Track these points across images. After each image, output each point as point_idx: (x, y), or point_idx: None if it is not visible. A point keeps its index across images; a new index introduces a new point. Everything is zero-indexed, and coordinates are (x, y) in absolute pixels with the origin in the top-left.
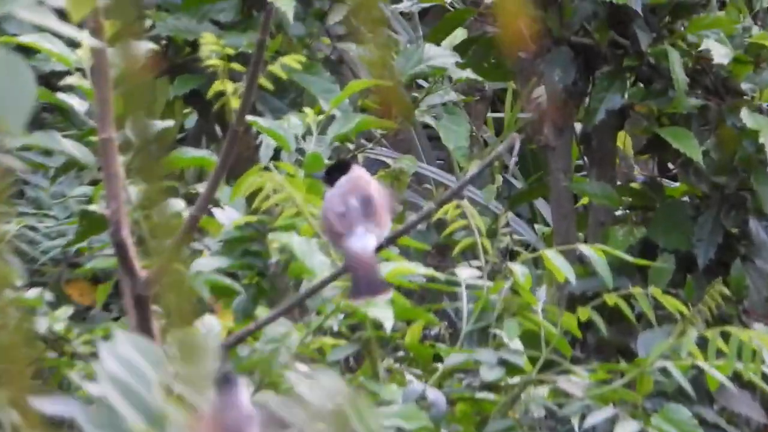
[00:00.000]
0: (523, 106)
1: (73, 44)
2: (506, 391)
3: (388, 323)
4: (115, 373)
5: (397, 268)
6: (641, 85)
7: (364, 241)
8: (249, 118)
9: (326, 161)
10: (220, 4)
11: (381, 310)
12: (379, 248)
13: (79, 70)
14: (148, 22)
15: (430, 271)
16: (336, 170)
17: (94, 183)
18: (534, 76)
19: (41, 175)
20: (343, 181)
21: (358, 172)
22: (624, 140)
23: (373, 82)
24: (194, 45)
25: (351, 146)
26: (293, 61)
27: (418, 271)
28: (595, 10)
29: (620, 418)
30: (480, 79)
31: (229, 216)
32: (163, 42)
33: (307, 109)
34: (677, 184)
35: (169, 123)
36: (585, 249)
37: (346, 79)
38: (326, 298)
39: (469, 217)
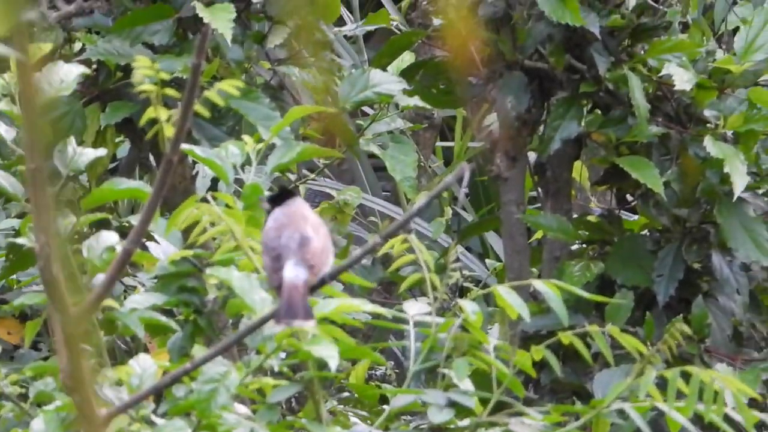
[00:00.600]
0: (474, 135)
1: None
2: None
3: (333, 362)
4: None
5: (340, 305)
6: (599, 112)
7: (296, 271)
8: (184, 146)
9: (266, 192)
10: (153, 26)
11: (325, 349)
12: (319, 285)
13: (5, 95)
14: (77, 46)
15: (376, 308)
16: (278, 199)
17: (21, 215)
18: (485, 103)
19: None
20: (279, 214)
21: (296, 205)
22: (580, 170)
23: (315, 109)
24: (126, 69)
25: (292, 177)
26: (231, 86)
27: (363, 307)
28: (550, 32)
29: None
30: (428, 106)
31: (164, 250)
32: (94, 66)
33: (246, 138)
34: (636, 216)
35: (103, 152)
36: (539, 285)
37: (287, 106)
38: (267, 336)
39: (416, 252)
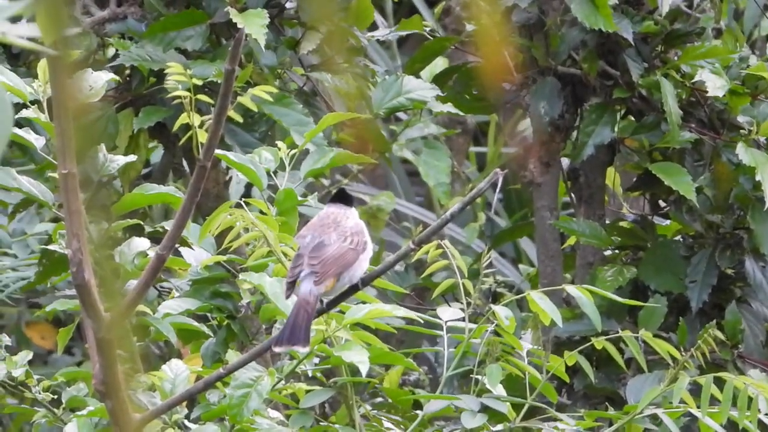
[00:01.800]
0: (507, 140)
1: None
2: None
3: (363, 368)
4: None
5: (373, 310)
6: (632, 118)
7: (308, 285)
8: (218, 152)
9: (300, 198)
10: (186, 32)
11: (355, 354)
12: (351, 291)
13: (34, 102)
14: (110, 51)
15: (409, 313)
16: (334, 200)
17: (55, 220)
18: (518, 109)
19: None
20: (314, 218)
21: (335, 208)
22: (613, 176)
23: (348, 115)
24: (159, 75)
25: (326, 182)
26: (264, 92)
27: (396, 313)
28: (583, 38)
29: None
30: (461, 112)
31: (197, 256)
32: (127, 72)
33: (280, 143)
34: (669, 222)
35: (133, 158)
36: (572, 290)
37: (320, 112)
38: None
39: (450, 258)
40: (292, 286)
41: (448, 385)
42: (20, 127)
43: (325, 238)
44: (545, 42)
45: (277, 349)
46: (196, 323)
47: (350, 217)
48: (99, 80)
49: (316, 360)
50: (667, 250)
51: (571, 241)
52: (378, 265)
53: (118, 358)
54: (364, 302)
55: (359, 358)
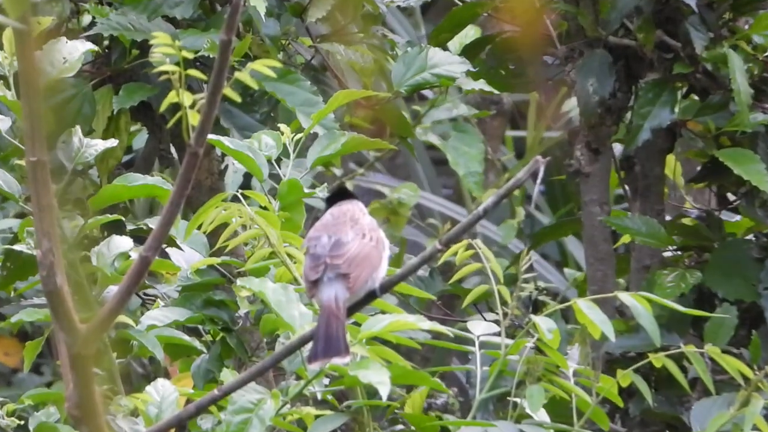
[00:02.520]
0: (550, 123)
1: None
2: None
3: (384, 389)
4: None
5: (394, 322)
6: (695, 97)
7: (334, 290)
8: (211, 137)
9: (306, 190)
10: None
11: (375, 374)
12: (368, 300)
13: None
14: (86, 19)
15: (436, 326)
16: (334, 199)
17: (22, 216)
18: (563, 86)
19: None
20: (327, 216)
21: (347, 206)
22: (674, 165)
23: (364, 93)
24: (143, 47)
25: (337, 172)
26: (266, 67)
27: (420, 325)
28: (638, 4)
29: None
30: (496, 90)
31: (187, 258)
32: (105, 43)
33: (283, 126)
34: (739, 218)
35: (113, 143)
36: (626, 298)
37: (330, 90)
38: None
39: (483, 260)
40: (315, 285)
41: (482, 409)
42: None
43: (342, 236)
44: (594, 8)
45: (314, 366)
46: (185, 337)
47: (365, 212)
48: (74, 52)
49: (327, 380)
50: (737, 251)
51: (625, 240)
52: (398, 269)
53: (94, 377)
54: (383, 312)
55: (379, 378)
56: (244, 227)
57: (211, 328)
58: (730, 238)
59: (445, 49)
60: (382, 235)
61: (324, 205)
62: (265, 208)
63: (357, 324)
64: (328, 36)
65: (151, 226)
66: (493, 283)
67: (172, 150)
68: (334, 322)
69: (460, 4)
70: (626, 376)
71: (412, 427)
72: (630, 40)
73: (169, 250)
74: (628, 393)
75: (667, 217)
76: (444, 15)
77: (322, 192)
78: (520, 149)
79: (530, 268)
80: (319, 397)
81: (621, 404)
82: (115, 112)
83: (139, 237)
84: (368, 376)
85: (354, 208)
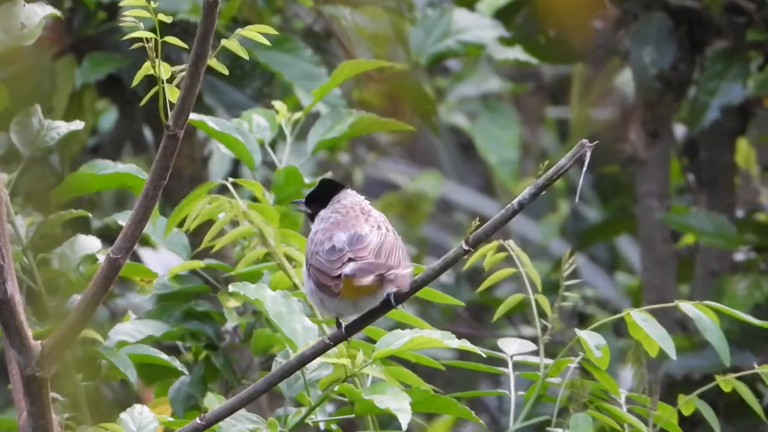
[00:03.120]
0: (598, 101)
1: None
2: None
3: (404, 417)
4: None
5: (416, 338)
6: None
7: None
8: (193, 117)
9: (307, 180)
10: None
11: (392, 399)
12: (383, 310)
13: None
14: None
15: (463, 343)
16: (321, 195)
17: None
18: (614, 56)
19: None
20: (328, 213)
21: (351, 198)
22: (746, 151)
23: (376, 64)
24: (112, 9)
25: (344, 159)
26: (258, 33)
27: (445, 342)
28: None
29: None
30: (534, 60)
31: (165, 261)
32: (68, 6)
33: (278, 104)
34: None
35: (78, 124)
36: (690, 309)
37: (335, 60)
38: (310, 380)
39: (517, 264)
40: (338, 282)
41: None
42: None
43: (359, 231)
44: None
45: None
46: (163, 355)
47: (369, 205)
48: (33, 17)
49: (332, 408)
50: None
51: (688, 240)
52: (417, 275)
53: (53, 403)
54: (401, 327)
55: (397, 404)
56: (232, 224)
57: (192, 344)
58: None
59: (473, 11)
60: (393, 230)
61: (304, 208)
62: (258, 201)
63: (371, 341)
64: None
65: (121, 223)
66: (529, 291)
67: (147, 132)
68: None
69: None
70: (689, 403)
71: None
72: (694, 0)
73: (143, 252)
74: (692, 422)
75: (739, 213)
76: None
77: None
78: (562, 131)
79: (575, 274)
80: (323, 426)
81: None
82: (78, 87)
83: (107, 236)
84: (385, 402)
85: (357, 199)
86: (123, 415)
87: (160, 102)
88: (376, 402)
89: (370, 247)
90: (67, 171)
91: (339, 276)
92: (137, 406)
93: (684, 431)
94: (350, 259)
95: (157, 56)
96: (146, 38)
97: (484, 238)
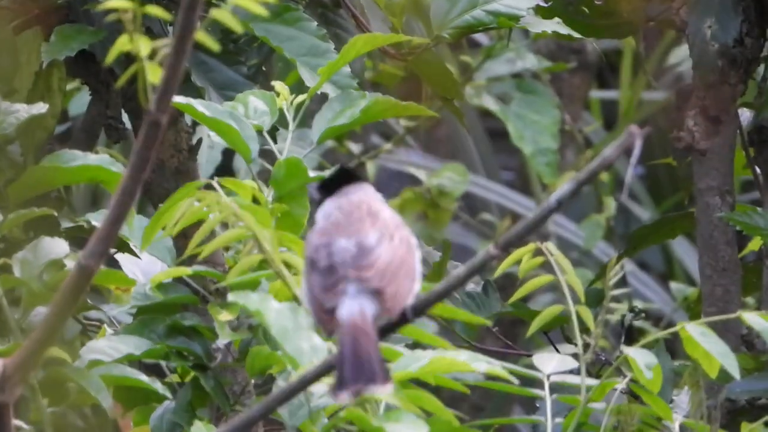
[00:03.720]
0: (652, 82)
1: None
2: None
3: None
4: None
5: (437, 358)
6: None
7: (359, 304)
8: (178, 99)
9: (312, 173)
10: None
11: (410, 428)
12: (397, 324)
13: None
14: None
15: (492, 364)
16: (333, 184)
17: None
18: (670, 30)
19: None
20: (332, 209)
21: (359, 195)
22: None
23: (392, 38)
24: None
25: (354, 147)
26: (254, 1)
27: (476, 368)
28: None
29: None
30: (576, 34)
31: (145, 268)
32: None
33: (279, 85)
34: None
35: (43, 107)
36: (756, 322)
37: (345, 34)
38: (316, 407)
39: (556, 271)
40: (331, 317)
41: None
42: None
43: (364, 238)
44: None
45: (344, 397)
46: (143, 377)
47: (383, 202)
48: None
49: None
50: None
51: (755, 245)
52: (439, 283)
53: None
54: (418, 344)
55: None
56: (224, 225)
57: (178, 364)
58: None
59: None
60: (409, 235)
61: (315, 193)
62: (254, 200)
63: (386, 361)
64: None
65: (94, 223)
66: (569, 302)
67: (124, 118)
68: (364, 340)
69: None
70: (755, 431)
71: None
72: None
73: (120, 257)
74: None
75: None
76: None
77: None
78: (609, 116)
79: (623, 282)
80: None
81: None
82: (44, 66)
83: (78, 239)
84: (400, 431)
85: (367, 196)
86: None
87: (139, 83)
88: (388, 431)
89: (377, 264)
90: (30, 162)
91: (332, 311)
92: None
93: None
94: (347, 279)
95: (135, 29)
96: (123, 8)
97: (516, 241)
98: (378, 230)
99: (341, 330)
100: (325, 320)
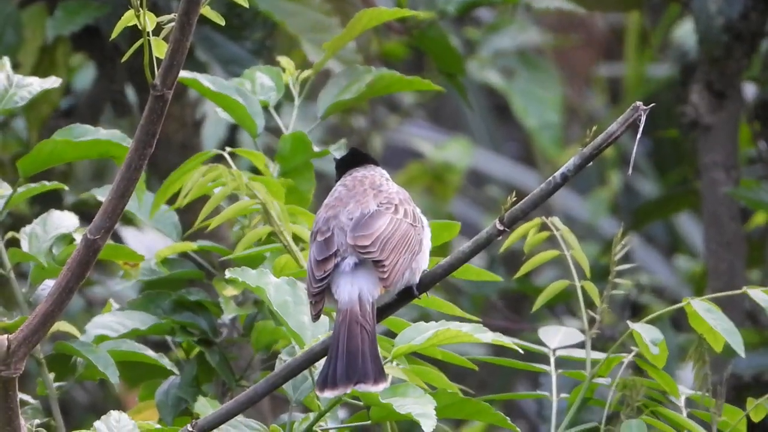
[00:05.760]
0: (657, 56)
1: None
2: None
3: (428, 424)
4: None
5: (442, 331)
6: None
7: (358, 286)
8: (184, 74)
9: (317, 148)
10: None
11: (414, 403)
12: (402, 301)
13: None
14: None
15: (498, 337)
16: (349, 163)
17: None
18: (674, 4)
19: None
20: (340, 186)
21: (364, 171)
22: None
23: (397, 13)
24: None
25: (360, 123)
26: None
27: (477, 336)
28: None
29: None
30: (581, 8)
31: (151, 243)
32: None
33: (284, 60)
34: None
35: (49, 81)
36: (761, 297)
37: (350, 8)
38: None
39: (562, 246)
40: (321, 297)
41: None
42: None
43: (364, 209)
44: None
45: (327, 394)
46: (149, 352)
47: (389, 180)
48: None
49: (344, 413)
50: None
51: (760, 219)
52: (444, 258)
53: (22, 407)
54: (427, 317)
55: (421, 409)
56: (230, 200)
57: (183, 340)
58: None
59: None
60: (418, 211)
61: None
62: (260, 173)
63: (393, 335)
64: None
65: (100, 198)
66: (575, 277)
67: (130, 93)
68: (359, 333)
69: None
70: (760, 407)
71: None
72: None
73: (126, 232)
74: (763, 429)
75: None
76: None
77: (339, 151)
78: (615, 91)
79: (628, 257)
80: None
81: None
82: (49, 41)
83: (84, 213)
84: (406, 406)
85: (373, 173)
86: (97, 423)
87: (145, 57)
88: (395, 406)
89: (376, 234)
90: (35, 138)
91: (320, 293)
92: (114, 413)
93: None
94: (344, 249)
95: (141, 4)
96: None
97: (522, 216)
98: (380, 202)
99: (337, 317)
100: (314, 301)
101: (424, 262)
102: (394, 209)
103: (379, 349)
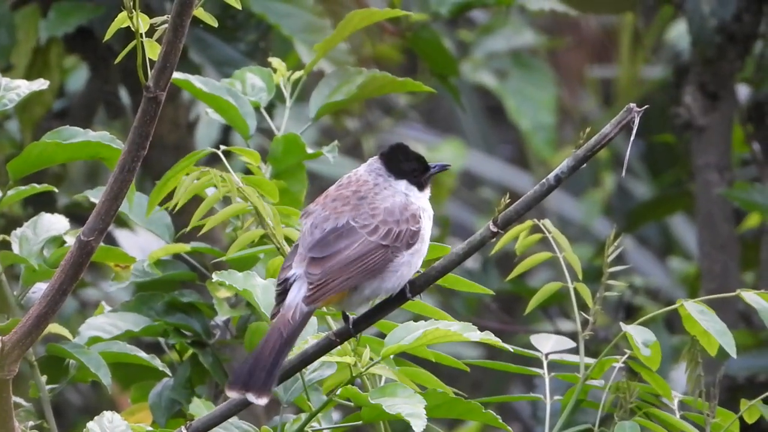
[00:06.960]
0: (649, 57)
1: None
2: None
3: (418, 424)
4: None
5: (432, 330)
6: None
7: (300, 293)
8: (177, 76)
9: (310, 150)
10: None
11: (405, 403)
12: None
13: None
14: None
15: (489, 337)
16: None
17: None
18: (667, 5)
19: None
20: (330, 190)
21: (361, 171)
22: None
23: (389, 14)
24: None
25: (352, 125)
26: None
27: (465, 335)
28: None
29: None
30: (573, 10)
31: (144, 245)
32: None
33: (276, 61)
34: None
35: (41, 83)
36: (754, 300)
37: (341, 9)
38: (311, 382)
39: (555, 248)
40: (282, 298)
41: None
42: None
43: (336, 221)
44: None
45: (230, 394)
46: (142, 354)
47: (392, 189)
48: None
49: (337, 415)
50: None
51: (754, 221)
52: (437, 261)
53: (16, 410)
54: (418, 319)
55: (411, 408)
56: (223, 201)
57: (176, 341)
58: None
59: None
60: (419, 226)
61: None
62: (252, 175)
63: (381, 336)
64: None
65: (93, 200)
66: (568, 279)
67: (123, 94)
68: (274, 340)
69: None
70: (753, 408)
71: None
72: None
73: (119, 234)
74: (757, 430)
75: None
76: None
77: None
78: (607, 93)
79: (621, 259)
80: None
81: None
82: (42, 42)
83: (77, 215)
84: (397, 406)
85: (372, 179)
86: (90, 424)
87: (138, 59)
88: (385, 406)
89: (329, 262)
90: (28, 139)
91: (279, 296)
92: (107, 414)
93: None
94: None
95: (135, 6)
96: None
97: (515, 218)
98: (355, 216)
99: (276, 319)
100: (276, 299)
101: (400, 277)
102: (370, 228)
103: (284, 360)
